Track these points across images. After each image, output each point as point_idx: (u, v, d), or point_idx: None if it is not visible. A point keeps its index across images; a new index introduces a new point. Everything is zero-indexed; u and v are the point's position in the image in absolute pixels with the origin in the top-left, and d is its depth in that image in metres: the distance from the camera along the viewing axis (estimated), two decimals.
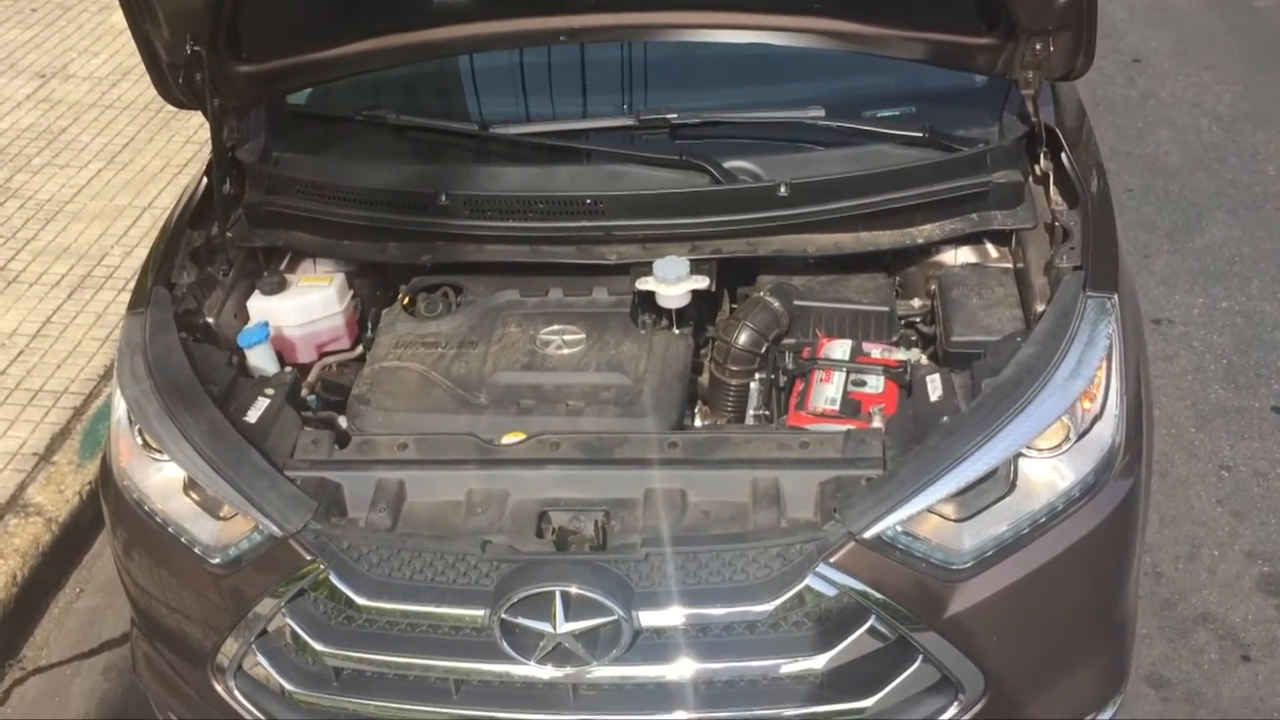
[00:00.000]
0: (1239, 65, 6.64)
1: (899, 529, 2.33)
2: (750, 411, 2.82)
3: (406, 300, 3.14)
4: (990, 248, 3.12)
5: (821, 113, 3.08)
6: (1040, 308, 2.79)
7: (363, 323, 3.23)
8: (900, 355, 2.88)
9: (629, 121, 3.15)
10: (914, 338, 3.06)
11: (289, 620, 2.49)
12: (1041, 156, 3.03)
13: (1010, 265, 3.06)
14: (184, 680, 2.74)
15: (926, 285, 3.14)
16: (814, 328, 2.98)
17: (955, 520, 2.40)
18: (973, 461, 2.36)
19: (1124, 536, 2.57)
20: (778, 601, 2.29)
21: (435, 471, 2.53)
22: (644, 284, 2.92)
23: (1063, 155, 2.99)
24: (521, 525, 2.43)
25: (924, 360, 2.85)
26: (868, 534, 2.31)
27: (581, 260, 3.01)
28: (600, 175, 3.06)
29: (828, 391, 2.74)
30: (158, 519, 2.59)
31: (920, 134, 3.03)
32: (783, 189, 2.90)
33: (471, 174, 3.11)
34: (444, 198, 2.99)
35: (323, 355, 3.17)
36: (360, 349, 3.20)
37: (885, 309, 2.99)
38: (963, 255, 3.14)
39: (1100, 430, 2.51)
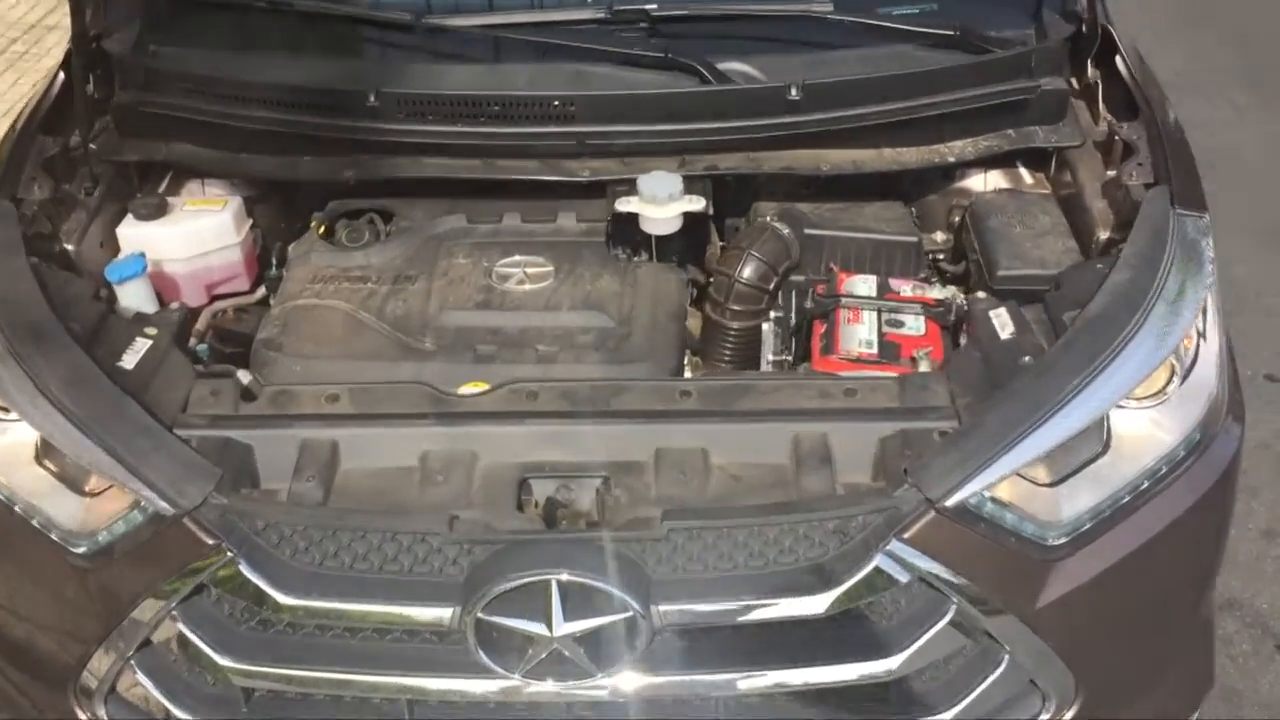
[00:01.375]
0: None
1: (986, 495, 1.83)
2: (769, 357, 2.28)
3: (323, 228, 2.52)
4: (1024, 172, 2.64)
5: (829, 6, 2.56)
6: (1104, 234, 2.33)
7: (264, 258, 2.62)
8: (936, 293, 2.38)
9: (599, 13, 2.58)
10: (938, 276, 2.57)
11: (181, 627, 1.87)
12: (1089, 64, 2.56)
13: (1049, 191, 2.59)
14: (39, 709, 2.09)
15: (949, 216, 2.66)
16: (827, 261, 2.47)
17: (1047, 485, 1.91)
18: (1073, 409, 1.87)
19: (1225, 507, 2.11)
20: (839, 590, 1.77)
21: (379, 429, 1.94)
22: (626, 205, 2.37)
23: (1118, 60, 2.53)
24: (497, 496, 1.86)
25: (962, 298, 2.36)
26: (949, 501, 1.80)
27: (546, 177, 2.45)
28: (567, 75, 2.49)
29: (859, 333, 2.23)
30: (1, 496, 1.94)
31: (951, 32, 2.54)
32: (793, 91, 2.38)
33: (408, 69, 2.52)
34: (373, 97, 2.39)
35: (214, 298, 2.56)
36: (262, 290, 2.59)
37: (913, 239, 2.49)
38: (992, 180, 2.65)
39: (1202, 374, 2.05)
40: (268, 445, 1.91)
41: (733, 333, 2.38)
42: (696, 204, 2.36)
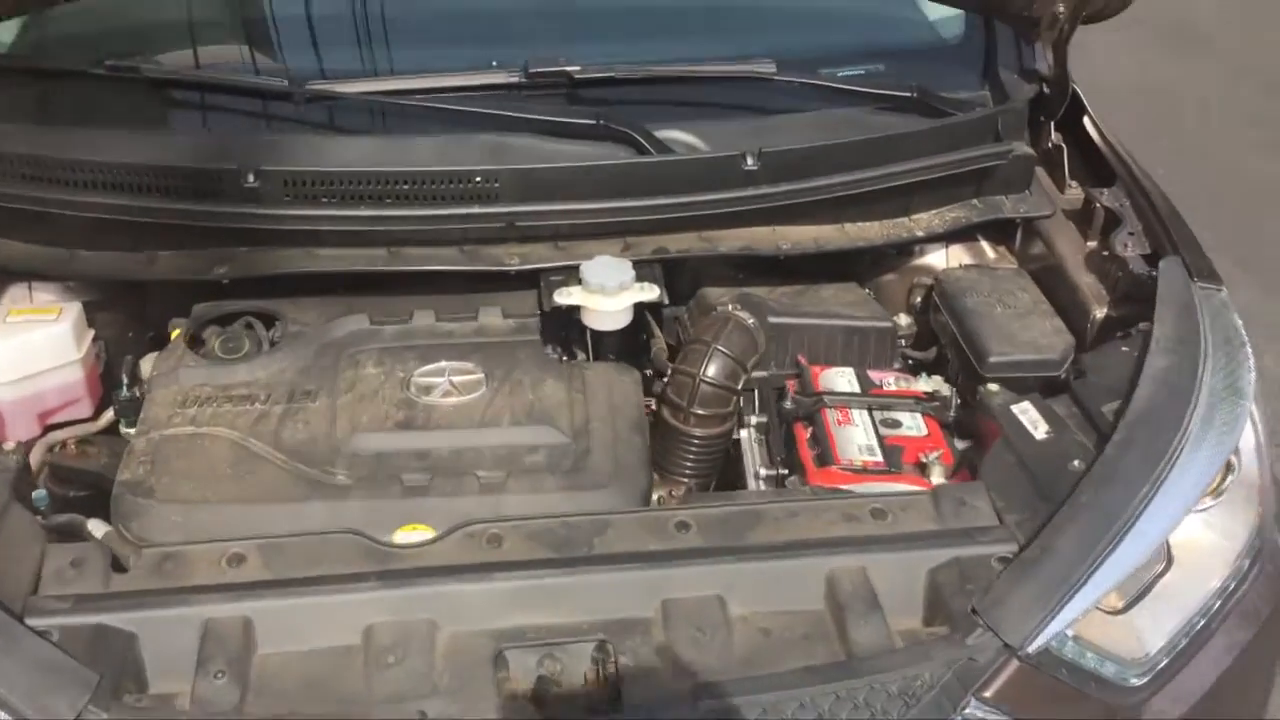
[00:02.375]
0: None
1: (1067, 634, 1.52)
2: (760, 472, 1.93)
3: (189, 337, 2.06)
4: (986, 245, 2.39)
5: (773, 67, 2.28)
6: (1099, 312, 2.09)
7: (110, 377, 2.13)
8: (923, 385, 2.09)
9: (513, 77, 2.23)
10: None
11: None
12: (1051, 127, 2.35)
13: (1016, 266, 2.35)
14: None
15: (910, 297, 2.38)
16: (794, 354, 2.15)
17: (1118, 611, 1.62)
18: (1149, 523, 1.59)
19: None
20: None
21: (305, 598, 1.50)
22: (566, 297, 2.00)
23: (1086, 122, 2.32)
24: (469, 678, 1.45)
25: (948, 389, 2.08)
26: (1032, 646, 1.48)
27: (467, 267, 2.06)
28: (483, 147, 2.13)
29: (855, 438, 1.91)
30: None
31: (909, 94, 2.29)
32: (749, 160, 2.07)
33: (294, 143, 2.11)
34: (252, 177, 1.97)
35: (49, 428, 2.06)
36: (109, 415, 2.10)
37: (887, 324, 2.20)
38: (954, 256, 2.40)
39: (1248, 467, 1.80)
40: (158, 632, 1.45)
41: (697, 442, 2.03)
42: (650, 293, 2.01)
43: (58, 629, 1.42)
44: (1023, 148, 2.28)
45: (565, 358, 2.08)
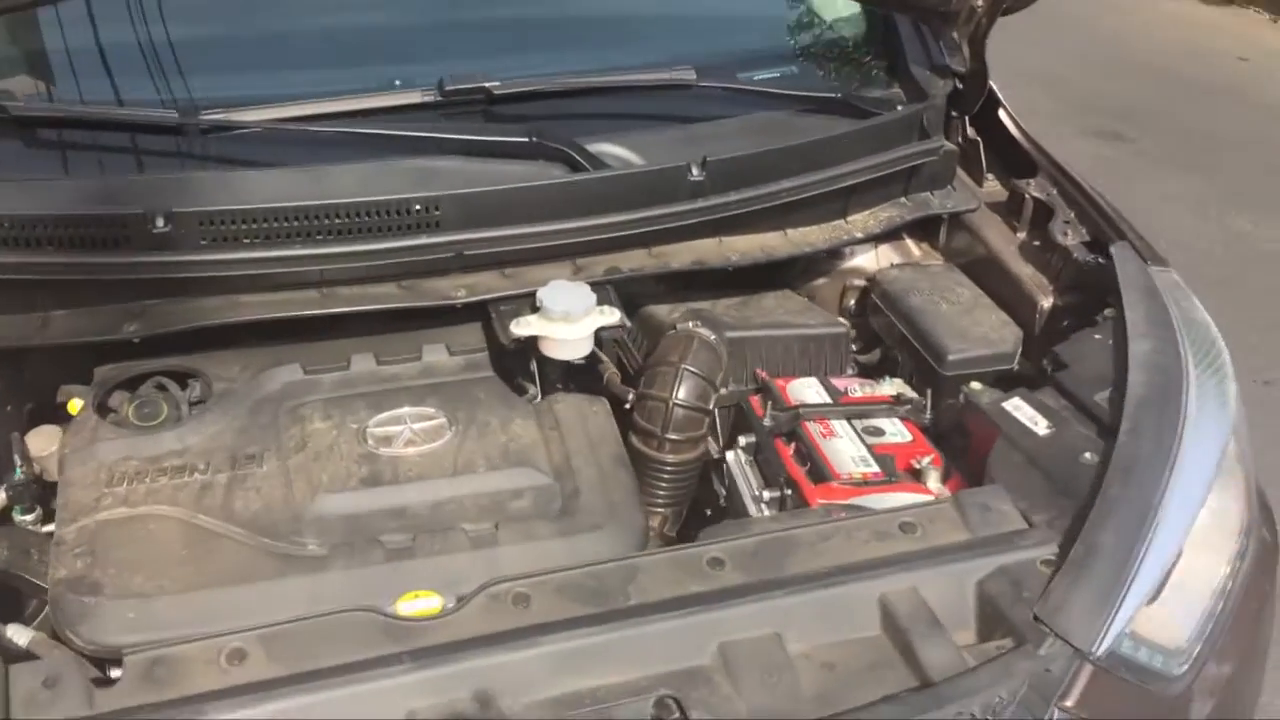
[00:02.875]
0: None
1: (1125, 632, 1.49)
2: (760, 495, 1.83)
3: (95, 406, 1.83)
4: (911, 243, 2.38)
5: (692, 74, 2.20)
6: (1046, 301, 2.09)
7: None
8: (887, 389, 2.05)
9: (429, 96, 2.08)
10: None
11: None
12: (966, 121, 2.35)
13: (944, 262, 2.34)
14: None
15: (843, 300, 2.34)
16: (751, 367, 2.07)
17: (1150, 603, 1.60)
18: (1182, 509, 1.58)
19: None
20: None
21: (334, 691, 1.32)
22: (524, 327, 1.86)
23: (1001, 114, 2.33)
24: None
25: (907, 391, 2.05)
26: (1102, 649, 1.44)
27: (411, 304, 1.90)
28: (409, 172, 1.96)
29: (844, 449, 1.85)
30: None
31: (832, 94, 2.25)
32: (695, 171, 1.98)
33: (203, 180, 1.88)
34: (161, 221, 1.76)
35: None
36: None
37: (841, 329, 2.15)
38: (883, 256, 2.37)
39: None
40: None
41: (670, 469, 1.92)
42: (610, 317, 1.89)
43: None
44: (945, 144, 2.27)
45: (541, 386, 1.95)
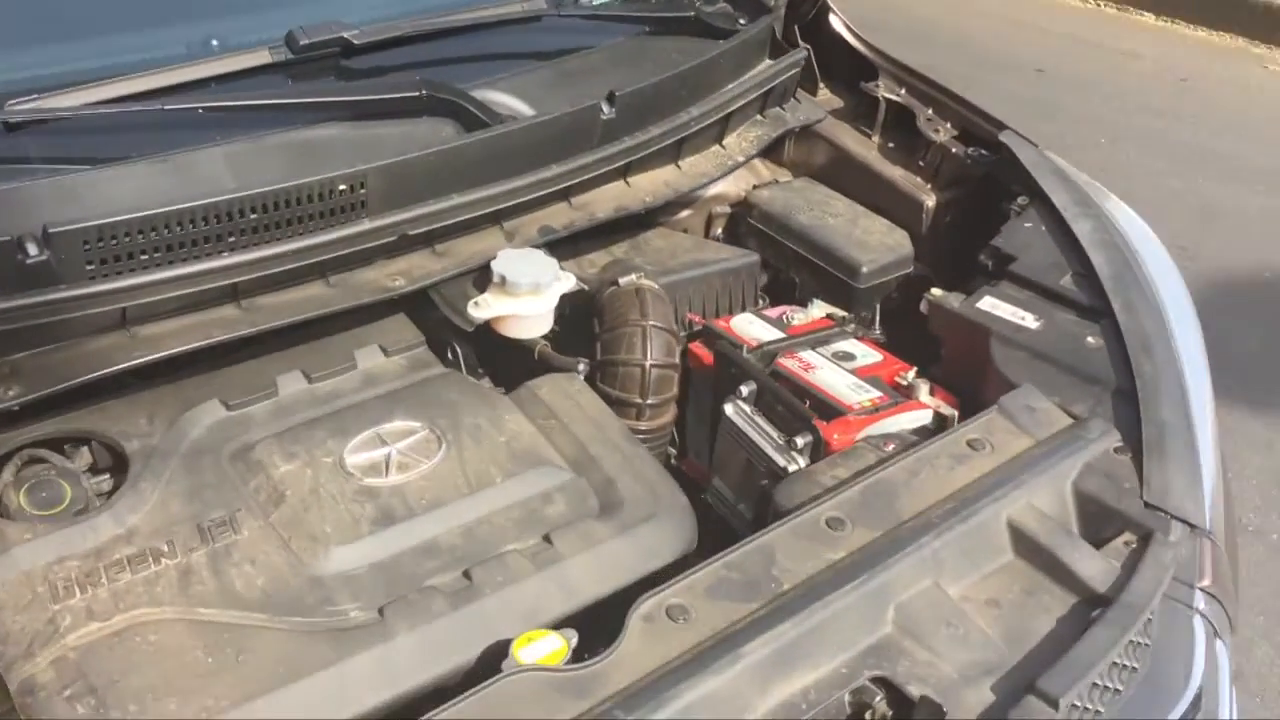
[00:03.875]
0: None
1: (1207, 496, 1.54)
2: (797, 442, 1.67)
3: None
4: (758, 162, 2.31)
5: (543, 2, 2.00)
6: (930, 200, 2.11)
7: None
8: (816, 311, 1.99)
9: (277, 55, 1.74)
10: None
11: None
12: (797, 32, 2.30)
13: (791, 176, 2.30)
14: None
15: (710, 228, 2.24)
16: (680, 311, 1.94)
17: None
18: (1193, 365, 1.65)
19: None
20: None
21: None
22: (484, 309, 1.63)
23: (833, 20, 2.30)
24: None
25: (836, 311, 2.01)
26: (1207, 520, 1.48)
27: (350, 304, 1.60)
28: (293, 148, 1.63)
29: (834, 380, 1.76)
30: None
31: (688, 14, 2.11)
32: (606, 109, 1.80)
33: (79, 184, 1.46)
34: (34, 247, 1.35)
35: None
36: None
37: (753, 257, 2.05)
38: (736, 180, 2.28)
39: None
40: None
41: (649, 436, 1.76)
42: (569, 281, 1.69)
43: None
44: (796, 55, 2.21)
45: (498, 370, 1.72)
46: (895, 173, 2.16)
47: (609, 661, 1.20)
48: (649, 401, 1.73)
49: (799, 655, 1.23)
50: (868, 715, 1.24)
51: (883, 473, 1.48)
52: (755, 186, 2.24)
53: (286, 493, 1.43)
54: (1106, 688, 1.26)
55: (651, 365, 1.72)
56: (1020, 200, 1.97)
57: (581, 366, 1.74)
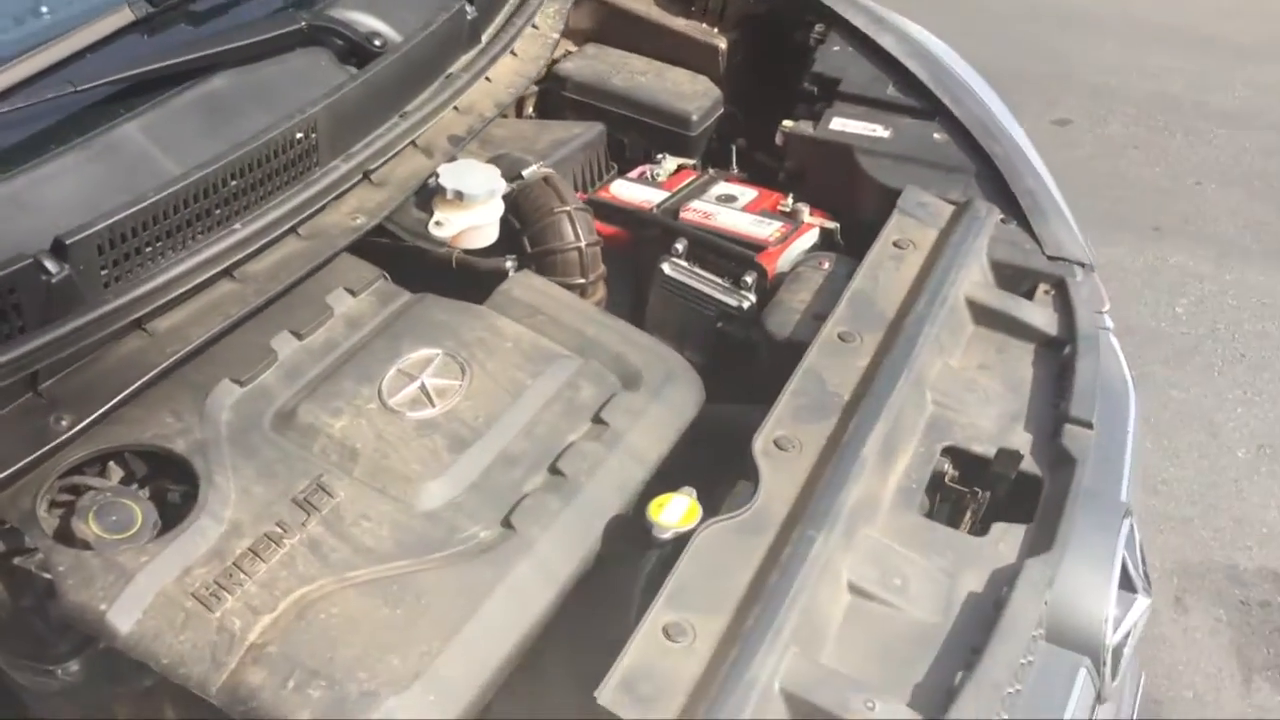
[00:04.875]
0: None
1: None
2: (746, 280, 1.82)
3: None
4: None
5: None
6: (722, 43, 2.30)
7: None
8: (669, 164, 2.14)
9: (136, 12, 1.63)
10: None
11: None
12: None
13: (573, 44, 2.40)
14: None
15: (522, 110, 2.29)
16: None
17: None
18: (1029, 147, 1.98)
19: None
20: None
21: None
22: (447, 228, 1.67)
23: None
24: None
25: (675, 161, 2.16)
26: (1089, 258, 1.82)
27: (325, 256, 1.58)
28: (201, 106, 1.57)
29: (737, 221, 1.94)
30: None
31: None
32: (469, 9, 1.84)
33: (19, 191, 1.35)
34: (53, 264, 1.27)
35: None
36: None
37: (599, 127, 2.14)
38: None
39: None
40: None
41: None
42: (504, 186, 1.75)
43: None
44: None
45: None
46: (680, 23, 2.31)
47: (764, 495, 1.35)
48: (590, 280, 1.83)
49: (891, 448, 1.44)
50: (946, 480, 1.48)
51: (854, 285, 1.68)
52: (560, 59, 2.31)
53: (356, 446, 1.44)
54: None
55: (587, 245, 1.82)
56: (818, 29, 2.19)
57: (510, 263, 1.80)
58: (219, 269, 1.43)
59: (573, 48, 2.37)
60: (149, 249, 1.36)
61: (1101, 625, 1.31)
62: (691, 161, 2.14)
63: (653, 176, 2.07)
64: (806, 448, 1.42)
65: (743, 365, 1.79)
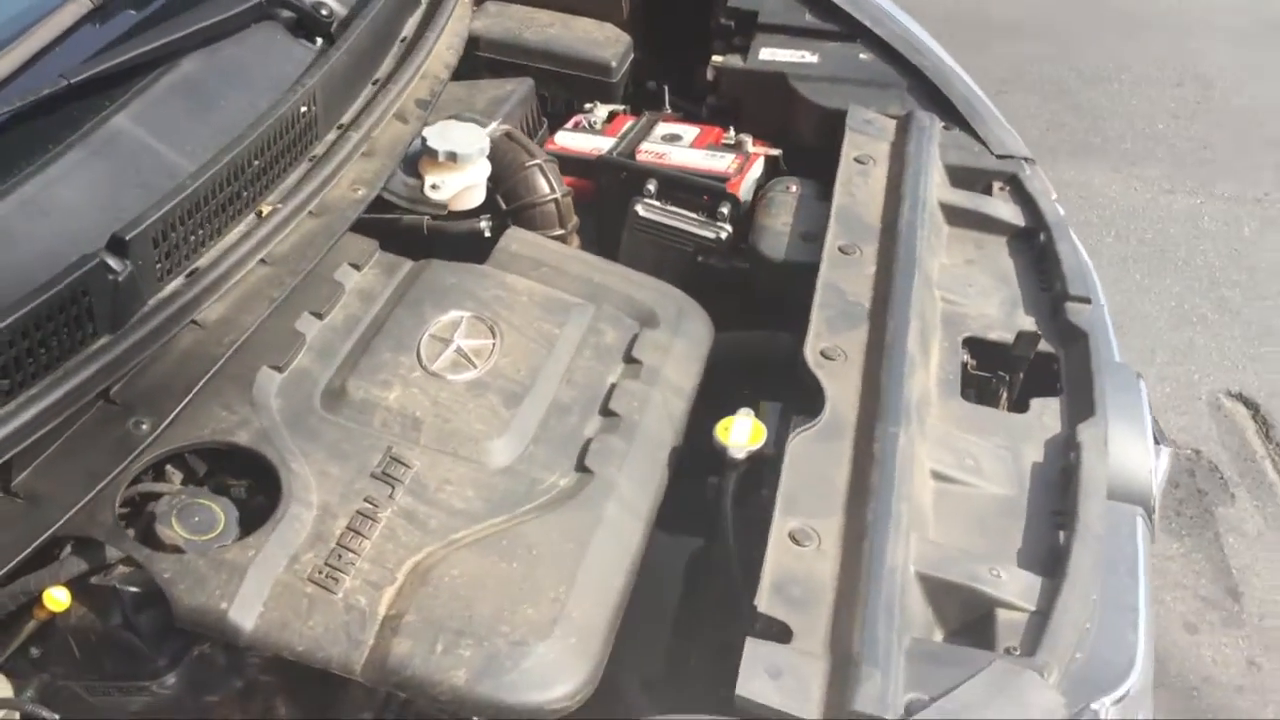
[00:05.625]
0: None
1: None
2: (723, 211, 1.86)
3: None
4: None
5: None
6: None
7: None
8: (601, 111, 2.17)
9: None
10: None
11: None
12: None
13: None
14: None
15: None
16: None
17: None
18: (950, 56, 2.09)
19: None
20: None
21: None
22: (445, 190, 1.67)
23: None
24: None
25: (606, 108, 2.20)
26: (1026, 153, 1.95)
27: (342, 231, 1.56)
28: (177, 84, 1.52)
29: (691, 158, 1.98)
30: None
31: None
32: None
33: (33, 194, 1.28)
34: (116, 262, 1.23)
35: None
36: None
37: (530, 81, 2.14)
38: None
39: None
40: None
41: None
42: (488, 144, 1.75)
43: None
44: None
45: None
46: None
47: (833, 403, 1.42)
48: (568, 229, 1.85)
49: (925, 346, 1.54)
50: (969, 369, 1.58)
51: (835, 202, 1.76)
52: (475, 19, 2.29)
53: (416, 414, 1.43)
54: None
55: (562, 196, 1.84)
56: None
57: (483, 222, 1.81)
58: (257, 253, 1.39)
59: (473, 7, 2.35)
60: (193, 238, 1.32)
61: (1149, 477, 1.44)
62: (622, 107, 2.17)
63: (590, 125, 2.09)
64: (851, 355, 1.49)
65: (723, 294, 1.84)
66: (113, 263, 1.20)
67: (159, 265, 1.27)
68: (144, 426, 1.25)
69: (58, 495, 1.17)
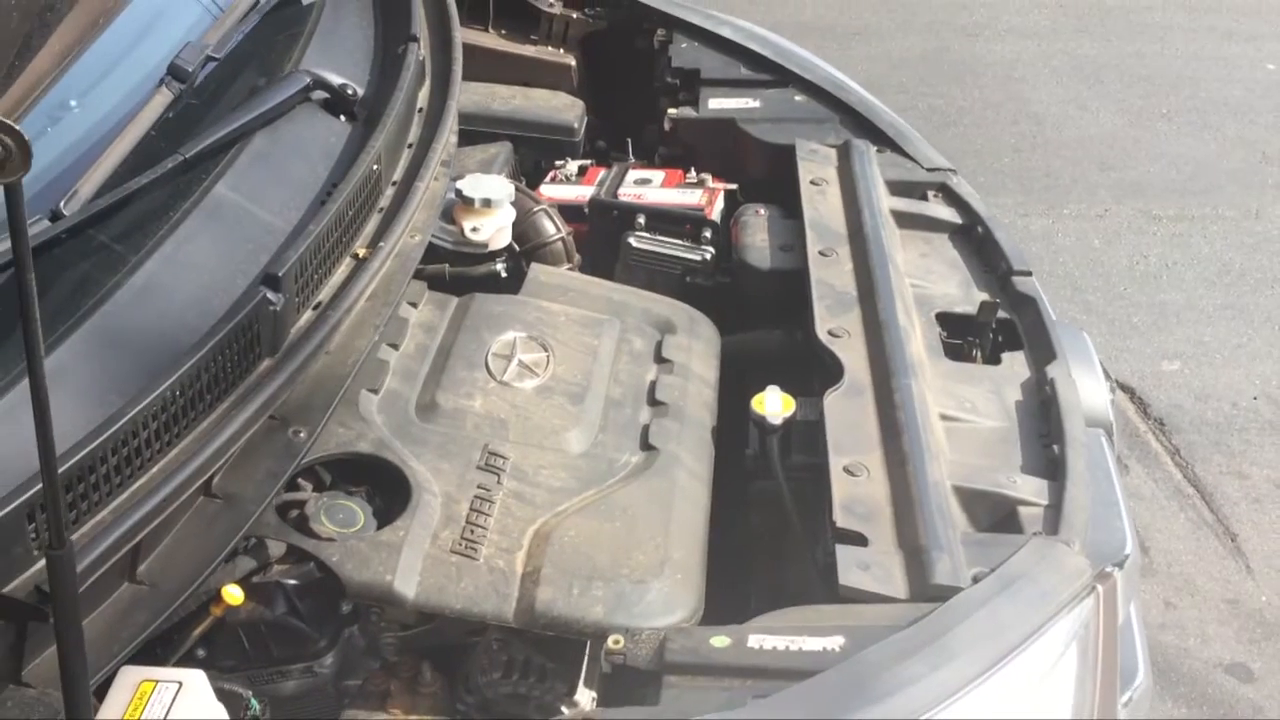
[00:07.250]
0: None
1: None
2: (707, 235, 2.14)
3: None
4: None
5: None
6: (570, 59, 2.63)
7: None
8: (572, 166, 2.44)
9: (171, 90, 1.76)
10: None
11: None
12: None
13: None
14: None
15: None
16: None
17: None
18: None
19: None
20: None
21: None
22: (481, 233, 1.93)
23: None
24: None
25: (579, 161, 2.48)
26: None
27: (418, 276, 1.81)
28: (258, 161, 1.74)
29: (669, 196, 2.26)
30: None
31: None
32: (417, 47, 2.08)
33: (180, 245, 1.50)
34: (273, 295, 1.45)
35: None
36: None
37: (508, 144, 2.41)
38: None
39: None
40: None
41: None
42: (512, 190, 2.02)
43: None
44: None
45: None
46: (529, 50, 2.62)
47: (850, 372, 1.71)
48: (572, 265, 2.12)
49: (910, 321, 1.83)
50: (942, 337, 1.89)
51: (807, 216, 2.06)
52: None
53: (501, 416, 1.67)
54: None
55: (568, 234, 2.10)
56: (660, 33, 2.55)
57: (500, 266, 2.06)
58: (365, 289, 1.61)
59: None
60: (315, 276, 1.54)
61: (1107, 405, 1.76)
62: (589, 162, 2.45)
63: (567, 177, 2.37)
64: (853, 332, 1.79)
65: (710, 307, 2.12)
66: (270, 296, 1.41)
67: (297, 299, 1.49)
68: (301, 435, 1.46)
69: (249, 494, 1.37)
